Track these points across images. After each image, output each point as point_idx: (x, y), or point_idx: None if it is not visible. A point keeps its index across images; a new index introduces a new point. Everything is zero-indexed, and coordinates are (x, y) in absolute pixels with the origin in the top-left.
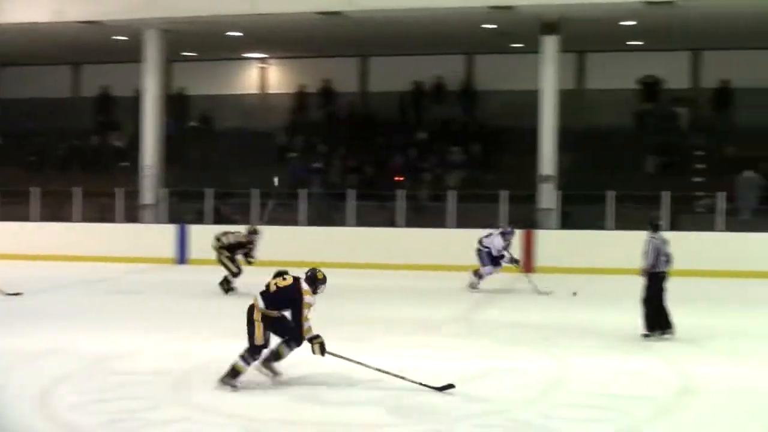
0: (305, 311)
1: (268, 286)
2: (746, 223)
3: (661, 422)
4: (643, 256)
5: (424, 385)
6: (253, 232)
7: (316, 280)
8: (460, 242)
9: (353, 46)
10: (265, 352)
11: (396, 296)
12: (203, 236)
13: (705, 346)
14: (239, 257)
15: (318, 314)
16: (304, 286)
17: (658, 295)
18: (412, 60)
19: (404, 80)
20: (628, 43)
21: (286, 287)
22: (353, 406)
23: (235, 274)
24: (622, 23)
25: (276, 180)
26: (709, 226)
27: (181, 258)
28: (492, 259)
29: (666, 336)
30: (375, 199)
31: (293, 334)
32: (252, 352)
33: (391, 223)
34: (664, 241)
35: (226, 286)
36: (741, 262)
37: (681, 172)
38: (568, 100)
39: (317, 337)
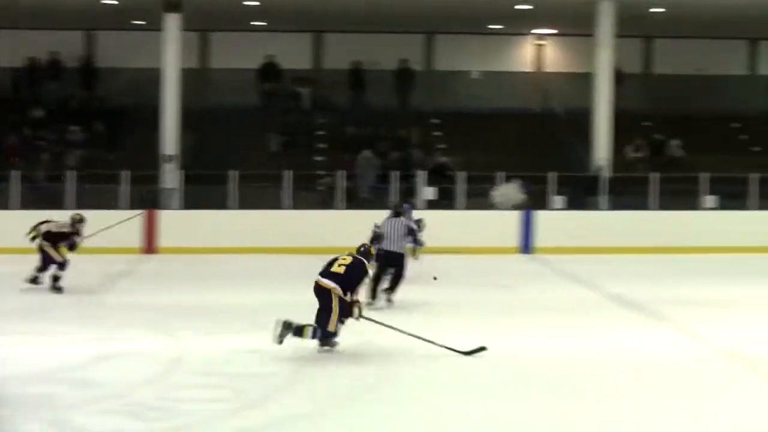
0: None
1: (330, 266)
2: (365, 201)
3: (276, 400)
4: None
5: (452, 350)
6: (79, 221)
7: (369, 255)
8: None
9: None
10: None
11: None
12: None
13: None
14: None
15: None
16: (366, 261)
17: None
18: (27, 34)
19: (18, 56)
20: (252, 23)
21: (353, 265)
22: None
23: (62, 265)
24: (245, 2)
25: None
26: (331, 205)
27: None
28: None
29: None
30: None
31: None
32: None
33: (5, 206)
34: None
35: (36, 276)
36: (362, 238)
37: (303, 151)
38: (191, 79)
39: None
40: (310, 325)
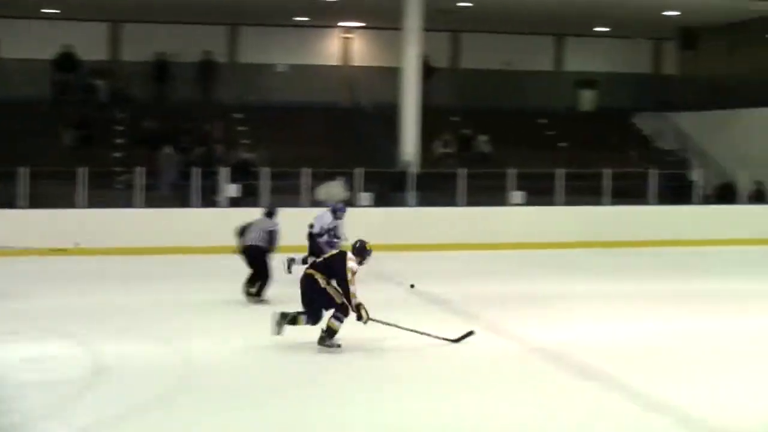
0: (349, 276)
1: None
2: (166, 198)
3: None
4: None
5: (442, 338)
6: None
7: (364, 251)
8: None
9: None
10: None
11: None
12: None
13: None
14: None
15: None
16: (350, 255)
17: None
18: None
19: None
20: (43, 11)
21: (332, 258)
22: None
23: None
24: None
25: None
26: (129, 203)
27: None
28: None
29: None
30: None
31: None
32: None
33: None
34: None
35: None
36: (164, 239)
37: (100, 147)
38: None
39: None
40: (303, 313)
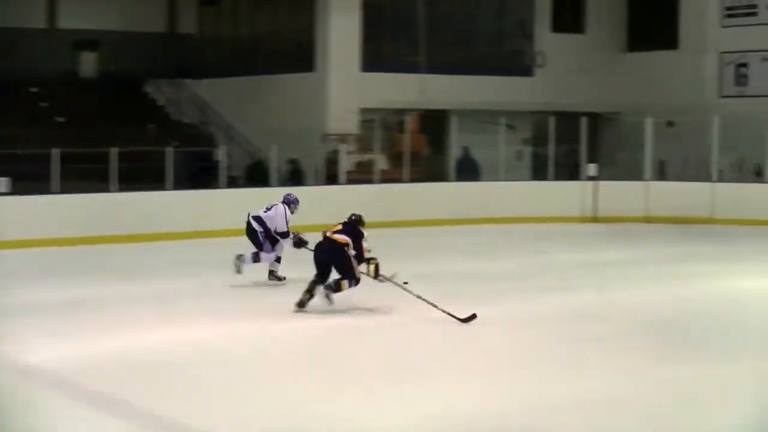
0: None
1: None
2: None
3: None
4: None
5: (451, 315)
6: None
7: (360, 222)
8: None
9: None
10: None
11: None
12: None
13: None
14: None
15: None
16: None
17: None
18: None
19: None
20: None
21: (349, 225)
22: None
23: None
24: None
25: None
26: None
27: None
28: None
29: None
30: None
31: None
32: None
33: None
34: None
35: None
36: None
37: None
38: None
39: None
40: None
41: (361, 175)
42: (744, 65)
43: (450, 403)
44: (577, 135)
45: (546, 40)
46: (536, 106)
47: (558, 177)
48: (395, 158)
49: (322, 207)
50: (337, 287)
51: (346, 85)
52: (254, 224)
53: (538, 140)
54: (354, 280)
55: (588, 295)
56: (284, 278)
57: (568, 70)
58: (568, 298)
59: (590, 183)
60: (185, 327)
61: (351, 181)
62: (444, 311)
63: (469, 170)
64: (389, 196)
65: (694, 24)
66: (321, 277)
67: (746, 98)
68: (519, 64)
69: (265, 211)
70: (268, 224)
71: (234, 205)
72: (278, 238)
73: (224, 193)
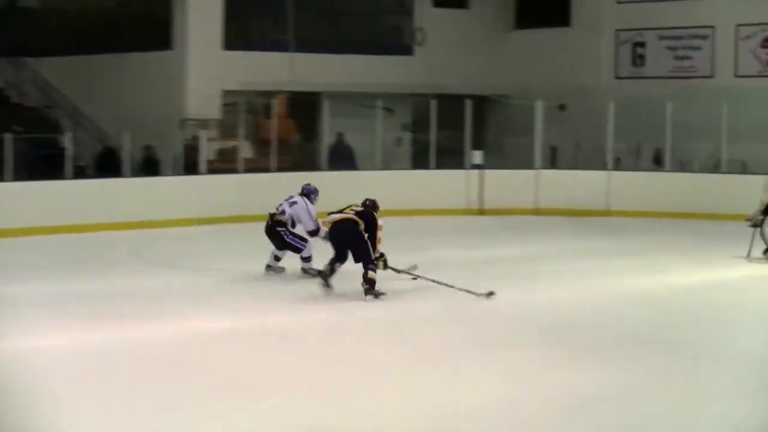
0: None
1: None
2: None
3: None
4: None
5: (470, 292)
6: None
7: (375, 207)
8: None
9: None
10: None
11: None
12: None
13: None
14: None
15: None
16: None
17: None
18: None
19: None
20: None
21: (364, 213)
22: None
23: None
24: None
25: None
26: None
27: None
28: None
29: None
30: None
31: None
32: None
33: None
34: None
35: None
36: None
37: None
38: None
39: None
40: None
41: (224, 164)
42: (641, 44)
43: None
44: (461, 119)
45: (427, 15)
46: (416, 87)
47: (440, 165)
48: (261, 145)
49: (181, 199)
50: (370, 284)
51: (207, 64)
52: (277, 227)
53: (419, 125)
54: (371, 264)
55: (471, 295)
56: (283, 268)
57: (451, 48)
58: (446, 299)
59: (475, 172)
60: None
61: (212, 170)
62: (463, 290)
63: (343, 158)
64: (255, 186)
65: None
66: (339, 258)
67: (643, 79)
68: (397, 42)
69: (283, 209)
70: (290, 224)
71: (81, 197)
72: (308, 237)
73: (71, 184)
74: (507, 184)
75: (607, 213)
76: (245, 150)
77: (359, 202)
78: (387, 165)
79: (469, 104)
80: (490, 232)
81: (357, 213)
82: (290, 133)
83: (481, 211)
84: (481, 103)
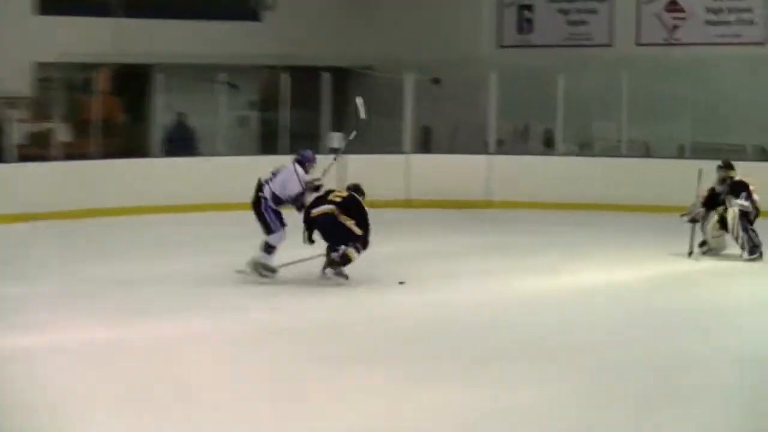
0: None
1: (327, 197)
2: None
3: None
4: None
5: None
6: None
7: (359, 191)
8: None
9: None
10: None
11: None
12: None
13: None
14: None
15: None
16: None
17: None
18: None
19: None
20: None
21: (350, 198)
22: None
23: None
24: None
25: None
26: None
27: None
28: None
29: None
30: None
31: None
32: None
33: None
34: None
35: None
36: None
37: None
38: None
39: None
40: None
41: (37, 149)
42: (528, 7)
43: None
44: (318, 96)
45: None
46: (265, 59)
47: (293, 150)
48: (82, 127)
49: None
50: (343, 260)
51: (16, 32)
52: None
53: (268, 103)
54: (359, 244)
55: (327, 303)
56: (277, 270)
57: (305, 13)
58: (294, 309)
59: (333, 157)
60: None
61: (23, 157)
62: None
63: (184, 142)
64: (74, 176)
65: None
66: (331, 246)
67: (531, 48)
68: (243, 7)
69: (272, 178)
70: (279, 192)
71: None
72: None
73: None
74: (372, 171)
75: (488, 204)
76: (62, 133)
77: (201, 191)
78: (230, 150)
79: (326, 78)
80: None
81: (338, 203)
82: (115, 113)
83: None
84: (342, 76)
